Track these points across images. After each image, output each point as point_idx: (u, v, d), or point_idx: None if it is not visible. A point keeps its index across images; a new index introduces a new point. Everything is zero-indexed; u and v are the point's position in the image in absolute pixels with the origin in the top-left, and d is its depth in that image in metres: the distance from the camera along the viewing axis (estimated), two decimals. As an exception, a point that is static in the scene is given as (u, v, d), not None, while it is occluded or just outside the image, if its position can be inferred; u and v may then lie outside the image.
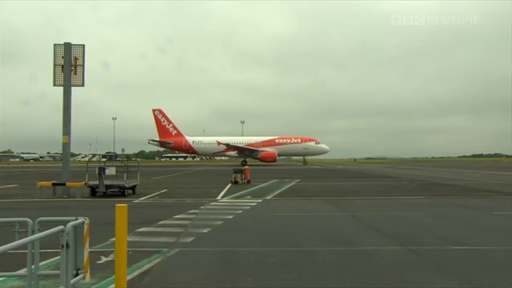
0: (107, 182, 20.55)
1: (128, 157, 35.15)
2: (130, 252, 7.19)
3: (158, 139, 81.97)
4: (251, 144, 78.54)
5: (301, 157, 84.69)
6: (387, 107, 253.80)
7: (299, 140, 79.33)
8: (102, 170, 20.31)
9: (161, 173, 45.12)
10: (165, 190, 23.65)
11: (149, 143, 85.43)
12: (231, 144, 77.09)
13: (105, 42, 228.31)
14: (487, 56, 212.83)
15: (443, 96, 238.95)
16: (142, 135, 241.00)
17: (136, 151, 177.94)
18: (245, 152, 78.46)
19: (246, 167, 30.57)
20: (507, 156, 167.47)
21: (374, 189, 25.29)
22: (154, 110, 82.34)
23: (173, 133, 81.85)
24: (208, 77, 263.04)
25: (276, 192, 22.21)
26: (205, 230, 11.11)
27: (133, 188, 21.84)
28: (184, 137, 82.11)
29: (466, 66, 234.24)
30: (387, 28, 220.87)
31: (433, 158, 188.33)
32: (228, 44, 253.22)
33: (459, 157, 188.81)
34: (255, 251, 8.89)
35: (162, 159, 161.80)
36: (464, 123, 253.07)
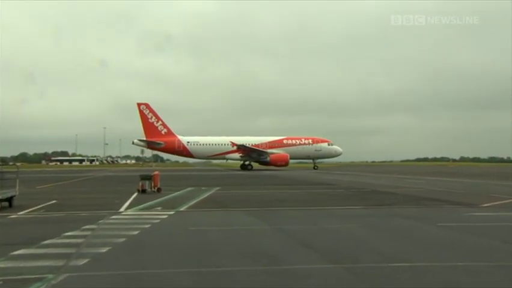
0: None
1: (3, 161, 33.32)
2: (1, 282, 6.81)
3: (144, 139, 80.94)
4: (256, 146, 79.69)
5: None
6: (323, 103, 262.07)
7: (310, 141, 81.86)
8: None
9: (50, 181, 43.47)
10: (54, 201, 22.79)
11: (133, 143, 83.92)
12: (246, 145, 77.75)
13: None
14: (436, 49, 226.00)
15: (385, 92, 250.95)
16: (25, 133, 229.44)
17: (16, 153, 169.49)
18: (253, 154, 79.52)
19: (156, 172, 30.08)
20: (454, 160, 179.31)
21: (305, 198, 26.05)
22: (139, 104, 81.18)
23: (162, 132, 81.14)
24: (108, 65, 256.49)
25: (191, 203, 22.20)
26: (103, 250, 10.86)
27: (9, 199, 20.78)
28: (176, 136, 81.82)
29: (413, 59, 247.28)
30: (324, 11, 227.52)
31: (373, 162, 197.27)
32: (133, 24, 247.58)
33: (402, 161, 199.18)
34: (164, 273, 8.83)
35: (51, 164, 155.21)
36: (408, 123, 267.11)
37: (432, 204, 22.07)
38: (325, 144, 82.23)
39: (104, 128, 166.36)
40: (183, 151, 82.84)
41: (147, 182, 28.38)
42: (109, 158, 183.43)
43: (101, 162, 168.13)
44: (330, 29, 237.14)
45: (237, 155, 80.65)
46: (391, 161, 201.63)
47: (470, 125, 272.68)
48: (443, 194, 27.57)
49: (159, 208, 20.01)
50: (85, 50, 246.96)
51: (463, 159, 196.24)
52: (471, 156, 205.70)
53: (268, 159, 78.70)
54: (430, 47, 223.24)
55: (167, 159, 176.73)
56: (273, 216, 17.48)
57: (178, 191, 29.09)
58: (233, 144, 77.59)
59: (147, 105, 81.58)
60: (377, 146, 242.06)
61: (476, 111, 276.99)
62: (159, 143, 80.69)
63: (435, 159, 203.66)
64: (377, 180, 45.99)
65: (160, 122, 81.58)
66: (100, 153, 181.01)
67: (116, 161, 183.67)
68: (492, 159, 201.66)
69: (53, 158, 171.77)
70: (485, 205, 21.36)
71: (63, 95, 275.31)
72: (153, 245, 11.69)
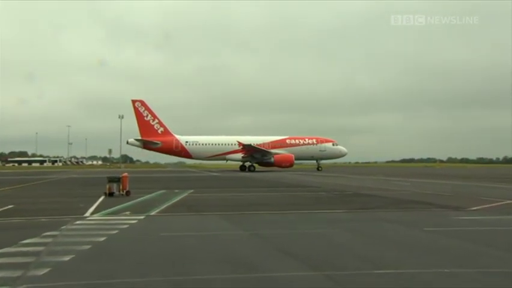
0: None
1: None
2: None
3: (140, 138, 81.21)
4: (258, 146, 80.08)
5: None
6: (303, 101, 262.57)
7: (314, 141, 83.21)
8: None
9: (6, 183, 42.87)
10: (10, 206, 22.49)
11: (128, 143, 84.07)
12: (253, 145, 78.07)
13: None
14: (424, 47, 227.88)
15: (369, 90, 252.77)
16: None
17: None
18: (256, 155, 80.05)
19: (125, 174, 29.82)
20: (441, 161, 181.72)
21: (284, 201, 26.20)
22: (134, 101, 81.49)
23: (159, 131, 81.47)
24: (72, 57, 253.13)
25: (162, 207, 22.14)
26: (66, 258, 10.72)
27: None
28: (173, 136, 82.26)
29: (398, 55, 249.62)
30: (306, 2, 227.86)
31: (357, 163, 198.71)
32: (99, 14, 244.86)
33: (387, 162, 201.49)
34: (133, 282, 8.77)
35: (8, 165, 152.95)
36: (394, 122, 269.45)
37: (419, 208, 22.33)
38: (329, 144, 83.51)
39: (69, 126, 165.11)
40: (181, 151, 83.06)
41: (115, 185, 28.12)
42: (73, 159, 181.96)
43: (65, 163, 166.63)
44: (311, 23, 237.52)
45: (239, 156, 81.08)
46: (375, 162, 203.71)
47: (459, 125, 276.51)
48: (429, 197, 27.95)
49: (128, 212, 19.91)
50: (44, 40, 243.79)
51: (450, 160, 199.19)
52: (459, 157, 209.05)
53: (272, 159, 79.53)
54: (422, 45, 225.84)
55: (137, 160, 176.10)
56: (249, 221, 17.60)
57: (149, 194, 28.93)
58: (240, 144, 77.72)
59: (142, 102, 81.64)
60: (361, 147, 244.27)
61: (465, 110, 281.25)
62: (156, 143, 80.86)
63: (421, 160, 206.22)
64: (361, 182, 46.44)
65: (156, 121, 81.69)
66: (63, 153, 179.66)
67: (82, 162, 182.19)
68: (481, 160, 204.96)
69: (10, 159, 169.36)
70: (474, 208, 21.63)
71: (20, 90, 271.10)
72: (121, 253, 11.60)
